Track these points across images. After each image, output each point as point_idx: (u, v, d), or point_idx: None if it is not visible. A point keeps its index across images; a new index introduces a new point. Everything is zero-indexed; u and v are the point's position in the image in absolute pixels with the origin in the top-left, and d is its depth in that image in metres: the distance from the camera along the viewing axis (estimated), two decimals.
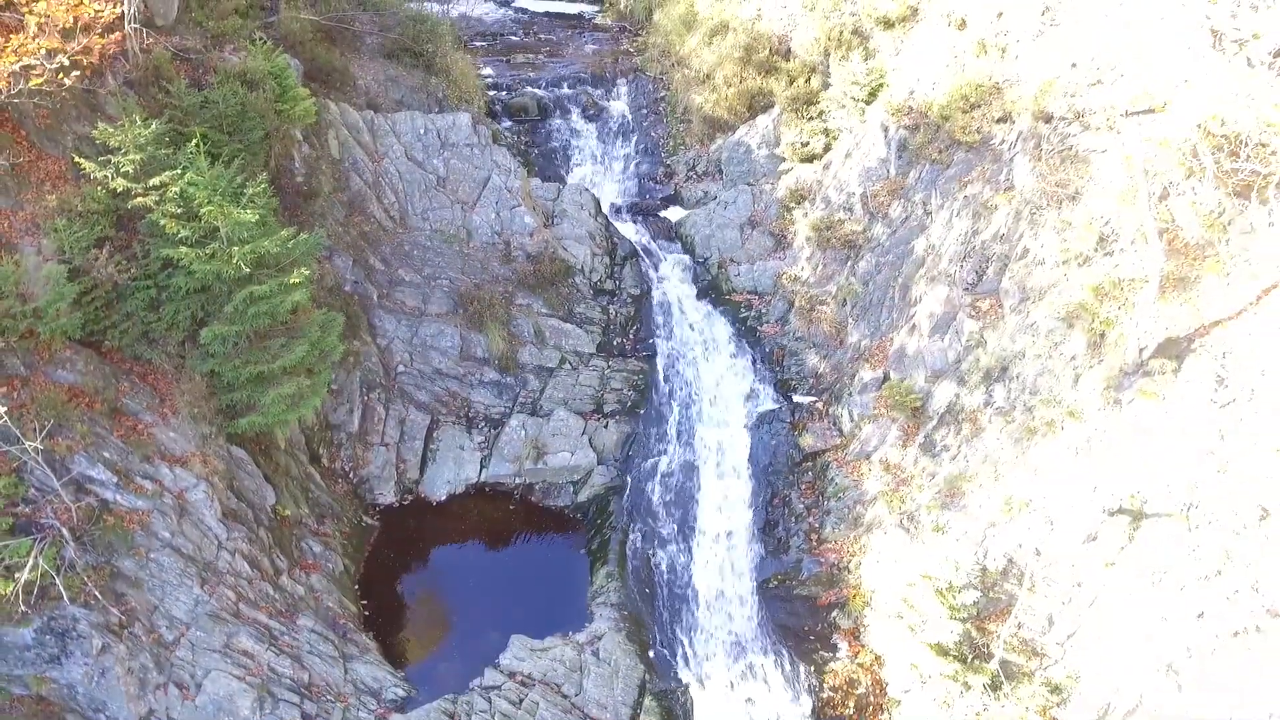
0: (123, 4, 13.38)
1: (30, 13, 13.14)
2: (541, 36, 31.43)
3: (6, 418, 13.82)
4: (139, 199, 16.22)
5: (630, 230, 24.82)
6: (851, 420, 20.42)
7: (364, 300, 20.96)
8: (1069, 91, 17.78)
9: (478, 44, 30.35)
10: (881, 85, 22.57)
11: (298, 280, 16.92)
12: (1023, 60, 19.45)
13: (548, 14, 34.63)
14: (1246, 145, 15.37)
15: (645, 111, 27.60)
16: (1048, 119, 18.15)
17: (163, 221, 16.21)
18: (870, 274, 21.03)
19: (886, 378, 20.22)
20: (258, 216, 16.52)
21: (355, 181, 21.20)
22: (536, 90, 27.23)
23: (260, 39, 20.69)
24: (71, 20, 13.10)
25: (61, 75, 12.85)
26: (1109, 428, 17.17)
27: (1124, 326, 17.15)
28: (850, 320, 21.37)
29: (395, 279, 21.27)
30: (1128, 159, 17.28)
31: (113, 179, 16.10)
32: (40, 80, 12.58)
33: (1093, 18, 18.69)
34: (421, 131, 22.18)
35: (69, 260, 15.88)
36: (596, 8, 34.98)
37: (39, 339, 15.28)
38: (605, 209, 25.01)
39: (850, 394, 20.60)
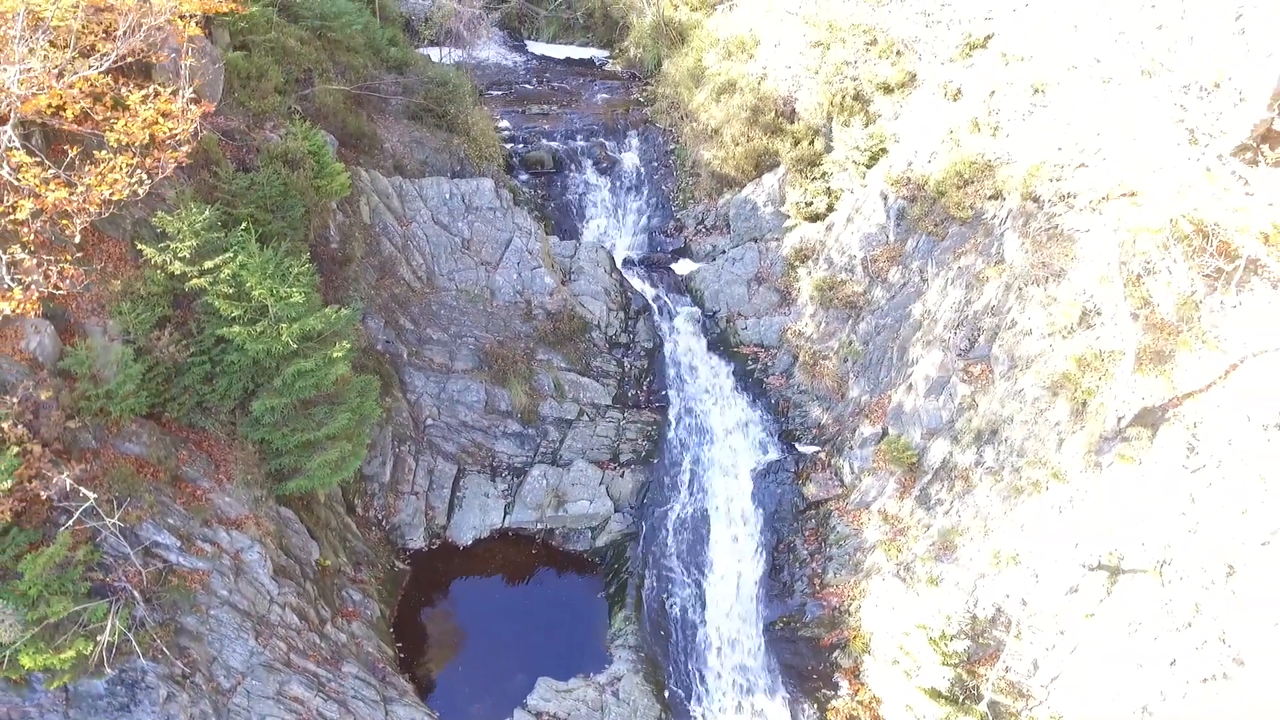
0: (191, 118, 14.64)
1: (110, 129, 14.47)
2: (554, 85, 32.72)
3: (84, 490, 15.21)
4: (194, 281, 17.59)
5: (643, 284, 26.21)
6: (852, 472, 21.85)
7: (395, 359, 22.35)
8: (1055, 176, 19.17)
9: (494, 93, 31.68)
10: (882, 150, 23.94)
11: (339, 354, 18.34)
12: (1014, 138, 20.82)
13: (560, 59, 35.97)
14: (1212, 238, 16.79)
15: (655, 164, 28.96)
16: (1036, 199, 19.56)
17: (216, 302, 17.60)
18: (870, 334, 22.45)
19: (885, 433, 21.65)
20: (304, 297, 17.92)
21: (386, 246, 22.57)
22: (552, 143, 28.58)
23: (296, 112, 22.03)
24: (147, 137, 14.43)
25: (138, 187, 14.18)
26: (1090, 489, 18.62)
27: (1104, 396, 18.57)
28: (851, 376, 22.79)
29: (424, 338, 22.66)
30: (1107, 240, 18.71)
31: (170, 263, 17.49)
32: (122, 196, 13.90)
33: (1079, 101, 20.05)
34: (447, 196, 23.54)
35: (133, 340, 17.25)
36: (606, 53, 36.29)
37: (109, 416, 16.66)
38: (619, 262, 26.41)
39: (851, 447, 22.02)
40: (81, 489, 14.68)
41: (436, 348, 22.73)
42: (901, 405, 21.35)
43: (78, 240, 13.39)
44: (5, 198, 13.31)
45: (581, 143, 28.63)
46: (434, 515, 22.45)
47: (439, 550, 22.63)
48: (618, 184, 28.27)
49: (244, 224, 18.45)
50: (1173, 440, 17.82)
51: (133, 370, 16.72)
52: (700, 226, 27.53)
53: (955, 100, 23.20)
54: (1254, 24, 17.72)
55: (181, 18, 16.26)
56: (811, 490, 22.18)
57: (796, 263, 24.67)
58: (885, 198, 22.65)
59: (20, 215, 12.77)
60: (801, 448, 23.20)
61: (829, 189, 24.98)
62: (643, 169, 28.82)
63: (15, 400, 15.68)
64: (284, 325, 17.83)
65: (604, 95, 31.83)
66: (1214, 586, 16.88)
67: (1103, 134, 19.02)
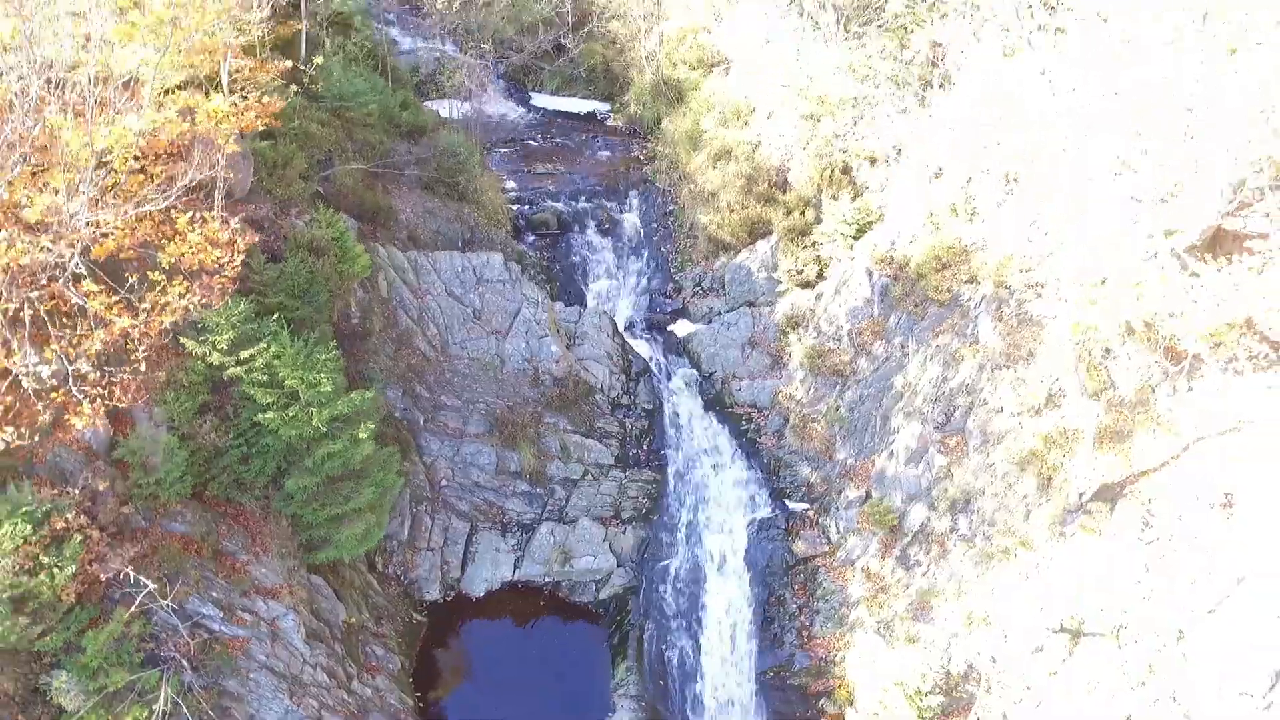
0: (237, 245, 16.21)
1: (163, 252, 16.00)
2: (558, 141, 34.27)
3: (142, 579, 16.83)
4: (232, 370, 19.18)
5: (643, 346, 27.80)
6: (838, 531, 23.48)
7: (412, 425, 23.94)
8: (1024, 267, 20.74)
9: (501, 150, 33.19)
10: (869, 224, 25.53)
11: (365, 434, 19.95)
12: (989, 223, 22.39)
13: (563, 113, 37.46)
14: (1160, 341, 18.40)
15: (655, 225, 30.53)
16: (1007, 287, 21.14)
17: (252, 390, 19.20)
18: (856, 403, 24.04)
19: (869, 496, 23.28)
20: (331, 384, 19.50)
21: (403, 319, 24.13)
22: (556, 204, 30.12)
23: (319, 194, 23.58)
24: (198, 264, 15.98)
25: (187, 306, 15.73)
26: (1054, 557, 20.26)
27: (1068, 472, 20.19)
28: (838, 439, 24.39)
29: (438, 404, 24.25)
30: (1073, 327, 20.32)
31: (210, 353, 19.07)
32: (175, 317, 15.48)
33: (1048, 191, 21.59)
34: (459, 269, 25.09)
35: (177, 427, 18.84)
36: (608, 107, 37.80)
37: (158, 499, 18.27)
38: (621, 325, 27.99)
39: (837, 508, 23.65)
40: (141, 579, 16.27)
41: (450, 413, 24.33)
42: (884, 470, 22.97)
43: (143, 368, 14.88)
44: (77, 324, 14.87)
45: (585, 204, 30.20)
46: (449, 569, 24.06)
47: (453, 601, 24.23)
48: (619, 246, 29.84)
49: (276, 314, 20.03)
50: (1130, 514, 19.46)
51: (179, 458, 18.32)
52: (697, 288, 29.12)
53: (938, 178, 24.76)
54: (1201, 141, 19.26)
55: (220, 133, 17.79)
56: (800, 547, 23.81)
57: (788, 328, 26.26)
58: (870, 274, 24.24)
59: (94, 348, 14.31)
60: (792, 505, 24.83)
61: (819, 257, 26.57)
62: (643, 230, 30.39)
63: (76, 491, 17.32)
64: (314, 410, 19.44)
65: (605, 153, 33.39)
66: (1166, 649, 18.53)
67: (1069, 226, 20.57)
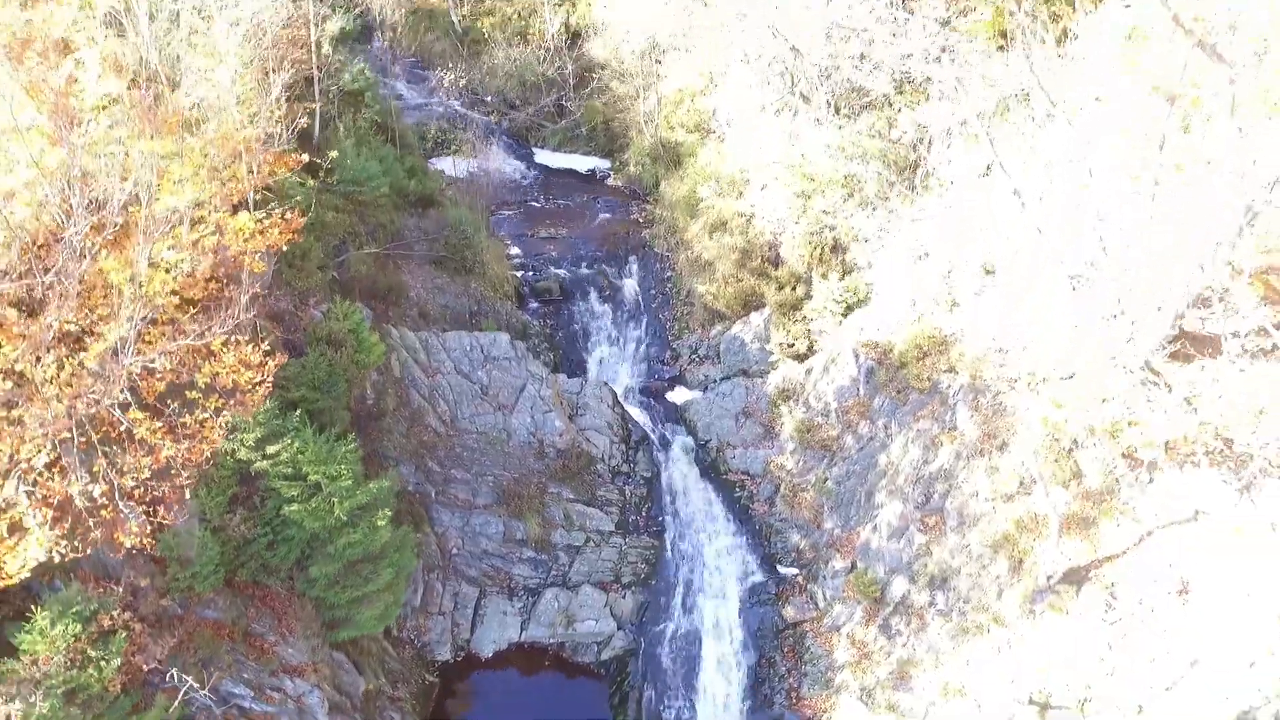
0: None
1: (200, 373, 17.43)
2: (560, 202, 35.64)
3: (184, 675, 18.30)
4: (259, 464, 20.63)
5: (641, 414, 29.23)
6: (825, 599, 24.93)
7: (424, 498, 25.39)
8: (1000, 362, 22.16)
9: (505, 212, 34.56)
10: (857, 302, 26.92)
11: (383, 522, 21.43)
12: (968, 314, 23.78)
13: (564, 170, 38.75)
14: (1120, 442, 19.82)
15: (654, 292, 31.93)
16: (983, 379, 22.53)
17: (277, 484, 20.65)
18: (842, 477, 25.47)
19: (854, 566, 24.72)
20: (352, 477, 20.94)
21: (414, 397, 25.56)
22: (559, 271, 31.53)
23: (334, 281, 24.96)
24: (231, 384, 17.40)
25: (225, 434, 17.19)
26: (1025, 634, 21.74)
27: (1038, 555, 21.65)
28: (826, 509, 25.84)
29: (449, 478, 25.69)
30: (1043, 420, 21.75)
31: (238, 449, 20.51)
32: (216, 446, 16.95)
33: (1020, 290, 22.99)
34: (468, 348, 26.51)
35: (209, 520, 20.30)
36: (607, 164, 39.11)
37: (193, 590, 19.73)
38: (620, 391, 29.42)
39: (824, 576, 25.11)
40: (181, 675, 17.74)
41: (460, 486, 25.78)
42: (868, 543, 24.43)
43: (187, 496, 16.32)
44: (125, 447, 16.30)
45: (586, 270, 31.59)
46: (459, 631, 25.53)
47: (463, 661, 25.70)
48: (619, 313, 31.24)
49: (298, 409, 21.46)
50: (1094, 596, 20.96)
51: (212, 552, 19.79)
52: (694, 356, 30.53)
53: (922, 260, 26.13)
54: (1162, 252, 20.64)
55: (247, 254, 19.21)
56: (790, 612, 25.28)
57: (779, 400, 27.67)
58: (857, 355, 25.65)
59: (143, 475, 15.77)
60: (782, 569, 26.28)
61: (809, 331, 27.97)
62: (642, 297, 31.79)
63: (120, 588, 18.80)
64: (336, 501, 20.89)
65: (606, 214, 34.75)
66: None
67: (1040, 325, 21.97)
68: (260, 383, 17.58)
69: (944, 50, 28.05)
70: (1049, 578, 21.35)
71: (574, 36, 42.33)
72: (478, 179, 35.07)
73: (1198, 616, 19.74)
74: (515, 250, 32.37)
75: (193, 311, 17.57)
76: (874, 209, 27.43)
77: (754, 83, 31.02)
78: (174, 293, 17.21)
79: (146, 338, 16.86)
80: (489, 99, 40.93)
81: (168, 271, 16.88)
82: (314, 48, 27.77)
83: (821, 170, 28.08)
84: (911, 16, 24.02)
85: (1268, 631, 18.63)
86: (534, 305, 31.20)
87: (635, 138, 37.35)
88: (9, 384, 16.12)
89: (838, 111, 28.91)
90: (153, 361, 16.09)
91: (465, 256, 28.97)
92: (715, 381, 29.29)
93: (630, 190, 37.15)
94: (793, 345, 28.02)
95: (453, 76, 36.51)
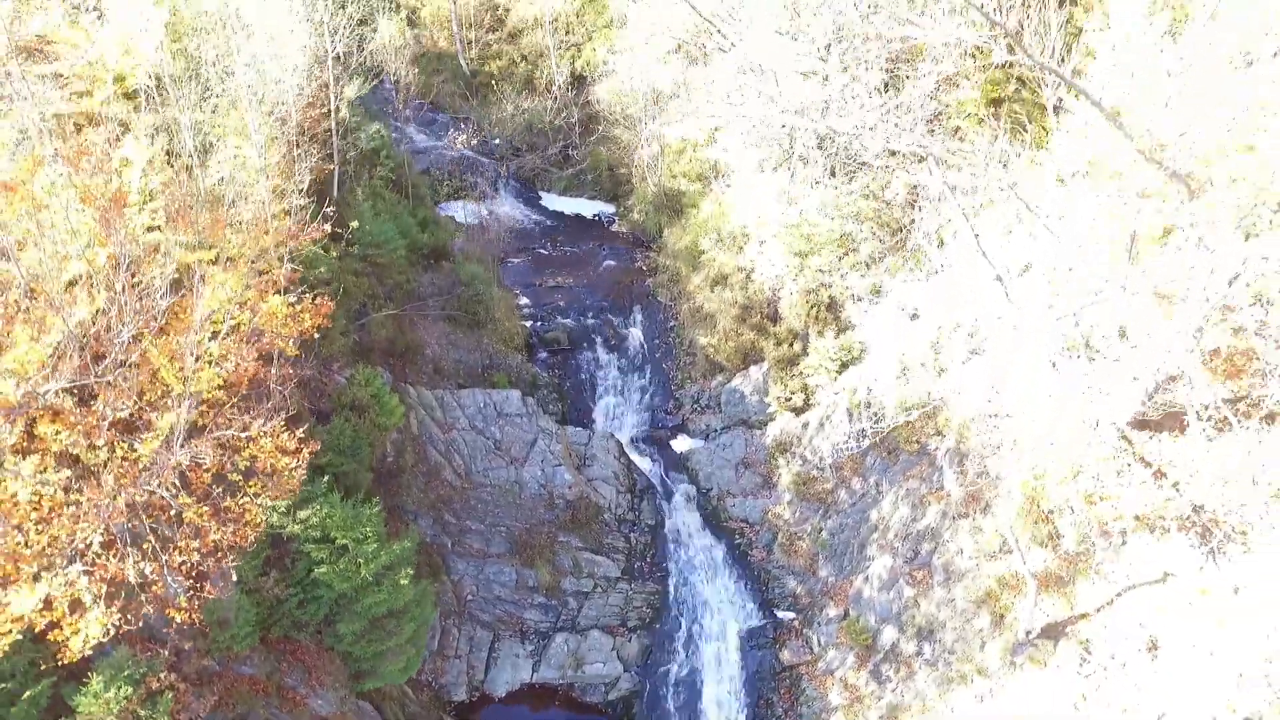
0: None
1: (242, 457, 18.86)
2: (567, 249, 37.02)
3: (211, 716, 19.76)
4: (290, 528, 22.08)
5: (645, 462, 30.68)
6: (820, 644, 26.42)
7: (441, 549, 26.86)
8: (983, 429, 23.57)
9: (514, 260, 35.95)
10: (851, 360, 28.36)
11: (405, 580, 22.88)
12: (955, 379, 25.18)
13: (571, 215, 40.10)
14: (1095, 509, 21.27)
15: (657, 341, 33.32)
16: (969, 443, 23.97)
17: (308, 547, 22.11)
18: (836, 529, 26.95)
19: (847, 614, 26.20)
20: (377, 540, 22.39)
21: (432, 454, 27.02)
22: (566, 321, 32.96)
23: (356, 344, 26.37)
24: (270, 467, 18.86)
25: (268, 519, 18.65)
26: (1006, 684, 23.22)
27: (1018, 610, 23.12)
28: (821, 558, 27.31)
29: (464, 529, 27.16)
30: (1023, 484, 23.19)
31: (271, 515, 21.95)
32: (260, 530, 18.44)
33: (1005, 355, 24.39)
34: (481, 405, 27.95)
35: (244, 583, 21.75)
36: (612, 209, 40.47)
37: (231, 650, 21.20)
38: (625, 438, 30.86)
39: (819, 622, 26.59)
40: None
41: (475, 536, 27.25)
42: (860, 592, 25.90)
43: (235, 579, 17.78)
44: (176, 533, 17.75)
45: (592, 320, 33.00)
46: (474, 673, 27.02)
47: (478, 701, 27.20)
48: (624, 362, 32.66)
49: (326, 476, 22.90)
50: (1070, 650, 22.44)
51: (249, 613, 21.26)
52: (696, 405, 31.98)
53: (914, 319, 27.54)
54: (1135, 332, 22.05)
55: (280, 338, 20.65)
56: (786, 655, 26.77)
57: (777, 453, 29.13)
58: (850, 414, 27.10)
59: (194, 558, 17.23)
60: (780, 614, 27.77)
61: (806, 386, 29.41)
62: (646, 346, 33.19)
63: (166, 651, 20.27)
64: (362, 562, 22.35)
65: (611, 262, 36.13)
66: None
67: (1025, 394, 23.40)
68: (296, 468, 19.03)
69: (935, 117, 29.49)
70: (1028, 632, 22.82)
71: (579, 80, 43.68)
72: (488, 225, 36.45)
73: (1165, 672, 21.21)
74: (524, 300, 33.77)
75: (234, 401, 19.01)
76: (868, 268, 28.87)
77: (753, 141, 32.39)
78: (220, 387, 18.65)
79: (196, 422, 18.32)
80: (498, 141, 42.27)
81: (211, 364, 18.32)
82: (333, 113, 29.17)
83: (818, 230, 29.47)
84: (900, 103, 25.41)
85: (1228, 689, 20.13)
86: (543, 355, 32.62)
87: (639, 185, 38.76)
88: (67, 471, 17.65)
89: (834, 174, 30.30)
90: (201, 456, 17.52)
91: (477, 312, 30.39)
92: (716, 431, 30.79)
93: (634, 237, 38.51)
94: (790, 399, 29.47)
95: (464, 138, 37.96)
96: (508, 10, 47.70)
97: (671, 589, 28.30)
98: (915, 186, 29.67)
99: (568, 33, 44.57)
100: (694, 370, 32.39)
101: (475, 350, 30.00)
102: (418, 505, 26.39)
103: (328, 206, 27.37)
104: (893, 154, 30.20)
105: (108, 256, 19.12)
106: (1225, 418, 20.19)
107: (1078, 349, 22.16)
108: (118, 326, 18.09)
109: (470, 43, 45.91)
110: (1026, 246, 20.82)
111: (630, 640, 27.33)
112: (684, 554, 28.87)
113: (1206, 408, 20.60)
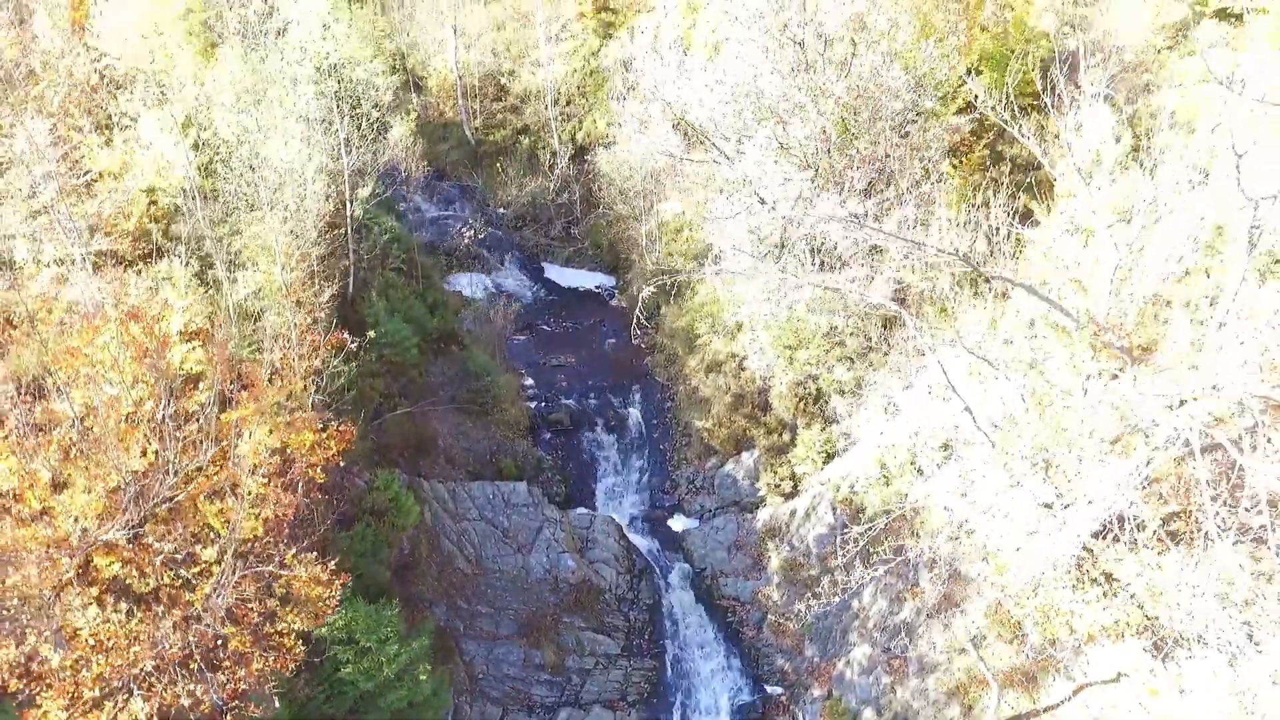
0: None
1: (277, 581, 20.88)
2: (568, 325, 38.93)
3: None
4: (319, 632, 24.07)
5: (643, 542, 32.70)
6: None
7: (454, 632, 28.89)
8: (953, 535, 25.61)
9: (519, 338, 37.88)
10: (836, 452, 30.37)
11: (424, 676, 24.93)
12: (931, 481, 27.20)
13: (572, 288, 42.00)
14: (1055, 627, 23.33)
15: (655, 422, 35.30)
16: (940, 549, 25.99)
17: (334, 649, 24.12)
18: (820, 616, 28.99)
19: (830, 694, 28.27)
20: (398, 641, 24.42)
21: (444, 544, 29.03)
22: (568, 402, 34.92)
23: (373, 443, 28.33)
24: (305, 596, 20.86)
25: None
26: None
27: (986, 703, 25.18)
28: (807, 640, 29.37)
29: (475, 613, 29.19)
30: (986, 590, 25.24)
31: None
32: (299, 661, 20.45)
33: (976, 463, 26.41)
34: (490, 496, 29.95)
35: (277, 686, 23.75)
36: (612, 281, 42.35)
37: None
38: (624, 519, 32.89)
39: (804, 700, 28.67)
40: None
41: (485, 619, 29.29)
42: (843, 674, 27.96)
43: (277, 706, 19.81)
44: (223, 665, 19.77)
45: (593, 401, 34.96)
46: None
47: None
48: (623, 443, 34.66)
49: (349, 583, 24.87)
50: None
51: (282, 714, 23.27)
52: (691, 486, 34.01)
53: (894, 416, 29.54)
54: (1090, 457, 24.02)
55: (310, 465, 22.61)
56: None
57: (767, 537, 31.17)
58: (834, 508, 29.14)
59: (241, 686, 19.25)
60: (769, 688, 29.86)
61: (794, 474, 31.44)
62: (644, 426, 35.19)
63: None
64: (384, 661, 24.38)
65: (611, 339, 38.05)
66: None
67: (992, 501, 25.43)
68: (330, 597, 21.03)
69: (919, 208, 31.37)
70: None
71: (581, 151, 45.49)
72: (494, 301, 38.35)
73: None
74: (529, 381, 35.75)
75: (269, 537, 21.00)
76: (853, 362, 30.82)
77: (745, 231, 34.20)
78: (260, 532, 20.65)
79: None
80: (502, 212, 44.11)
81: (253, 508, 20.30)
82: (348, 220, 31.09)
83: (806, 325, 31.39)
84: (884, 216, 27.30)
85: None
86: (546, 436, 34.60)
87: (638, 260, 40.64)
88: (125, 606, 19.69)
89: (822, 267, 32.17)
90: (246, 599, 19.54)
91: (485, 401, 32.35)
92: (710, 512, 32.84)
93: (634, 314, 40.27)
94: (779, 485, 31.50)
95: (472, 234, 39.92)
96: (513, 75, 49.33)
97: (668, 665, 30.36)
98: (900, 286, 31.61)
99: (569, 104, 46.38)
100: (689, 452, 34.42)
101: (483, 438, 32.02)
102: (432, 593, 28.43)
103: (344, 308, 29.32)
104: (877, 250, 32.13)
105: (153, 399, 21.12)
106: (1162, 539, 22.33)
107: (1039, 471, 24.20)
108: (164, 476, 20.08)
109: (475, 112, 47.74)
110: (993, 386, 22.87)
111: (630, 714, 29.40)
112: (680, 631, 30.92)
113: (1154, 532, 22.69)
